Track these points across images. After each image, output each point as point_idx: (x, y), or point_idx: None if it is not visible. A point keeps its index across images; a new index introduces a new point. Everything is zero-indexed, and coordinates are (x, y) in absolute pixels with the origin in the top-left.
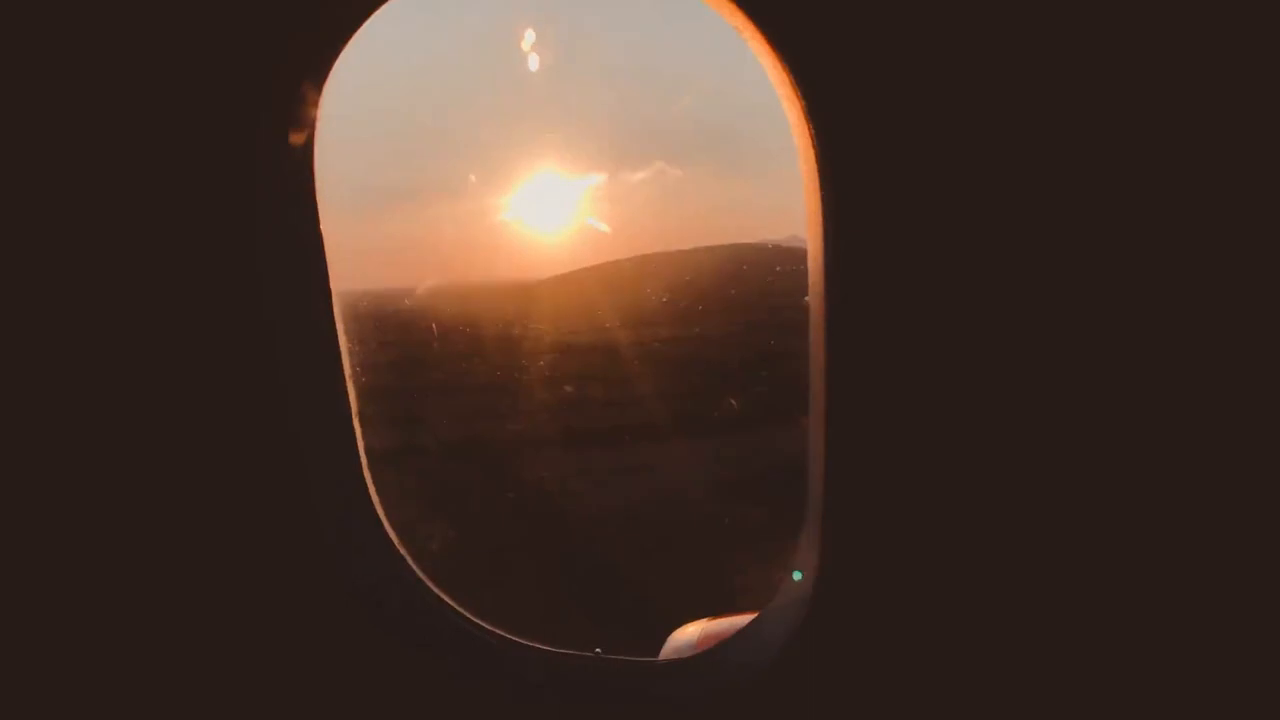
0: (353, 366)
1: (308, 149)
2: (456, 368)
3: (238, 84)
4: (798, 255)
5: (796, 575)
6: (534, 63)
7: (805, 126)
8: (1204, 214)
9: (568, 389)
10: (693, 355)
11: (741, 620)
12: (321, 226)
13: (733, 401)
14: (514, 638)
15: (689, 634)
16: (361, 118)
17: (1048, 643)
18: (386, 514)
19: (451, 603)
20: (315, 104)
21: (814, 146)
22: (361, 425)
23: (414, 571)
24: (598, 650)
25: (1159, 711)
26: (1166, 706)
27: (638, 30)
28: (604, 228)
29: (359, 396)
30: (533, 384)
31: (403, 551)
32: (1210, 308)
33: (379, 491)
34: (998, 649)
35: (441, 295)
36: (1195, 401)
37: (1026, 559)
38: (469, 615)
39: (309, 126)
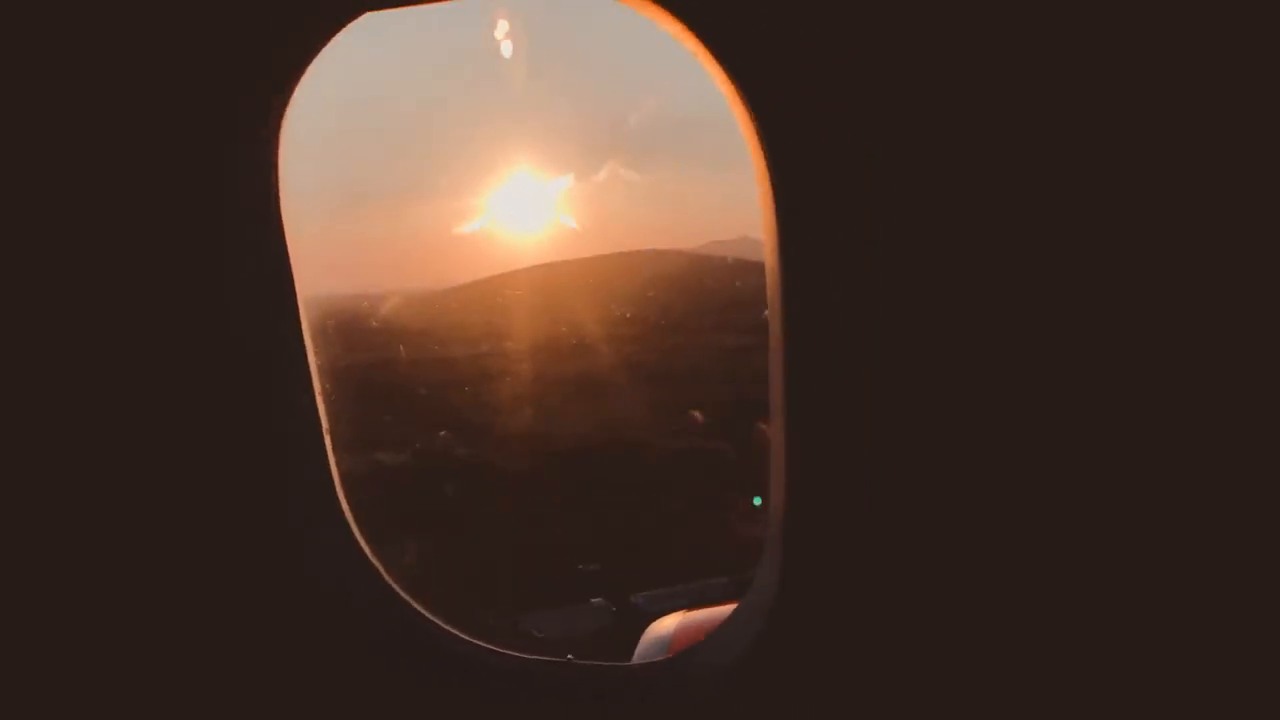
0: (320, 370)
1: (272, 158)
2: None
3: (203, 93)
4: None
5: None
6: (508, 49)
7: (752, 130)
8: (1163, 206)
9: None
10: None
11: (717, 613)
12: (286, 235)
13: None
14: (483, 644)
15: (666, 627)
16: (331, 120)
17: (1012, 639)
18: (355, 516)
19: (421, 609)
20: (281, 115)
21: (761, 147)
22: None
23: (382, 577)
24: (569, 656)
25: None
26: (1135, 709)
27: (601, 36)
28: (572, 224)
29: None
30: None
31: (371, 556)
32: (1173, 300)
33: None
34: (960, 646)
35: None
36: (1159, 396)
37: (987, 560)
38: (439, 622)
39: (274, 138)
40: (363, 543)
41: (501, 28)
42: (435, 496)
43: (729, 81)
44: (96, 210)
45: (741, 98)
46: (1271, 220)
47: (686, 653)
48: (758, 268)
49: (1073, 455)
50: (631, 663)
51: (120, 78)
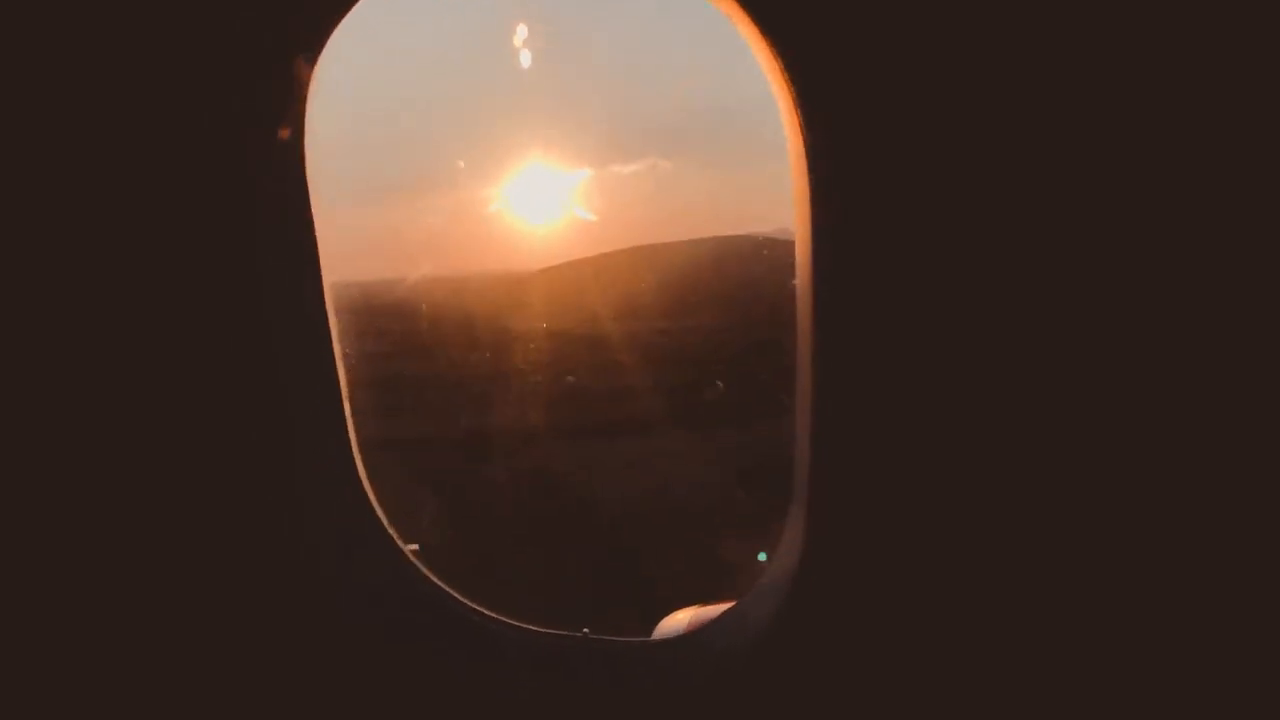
0: (345, 362)
1: (298, 138)
2: (451, 359)
3: (225, 75)
4: (784, 247)
5: (762, 556)
6: (526, 59)
7: (794, 114)
8: (1188, 213)
9: (569, 379)
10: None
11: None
12: (314, 218)
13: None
14: (502, 618)
15: (680, 620)
16: (349, 109)
17: (1025, 629)
18: (379, 501)
19: (439, 582)
20: (305, 92)
21: (803, 134)
22: (355, 416)
23: (401, 551)
24: (585, 630)
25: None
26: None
27: (632, 20)
28: (590, 217)
29: (351, 386)
30: (529, 375)
31: (392, 532)
32: (1184, 308)
33: (372, 480)
34: (973, 635)
35: (433, 285)
36: (1177, 400)
37: (1004, 547)
38: (456, 595)
39: (299, 116)
40: (383, 517)
41: (521, 33)
42: None
43: (774, 59)
44: (125, 203)
45: (785, 76)
46: None
47: (705, 629)
48: None
49: (1105, 449)
50: (649, 639)
51: (138, 66)
